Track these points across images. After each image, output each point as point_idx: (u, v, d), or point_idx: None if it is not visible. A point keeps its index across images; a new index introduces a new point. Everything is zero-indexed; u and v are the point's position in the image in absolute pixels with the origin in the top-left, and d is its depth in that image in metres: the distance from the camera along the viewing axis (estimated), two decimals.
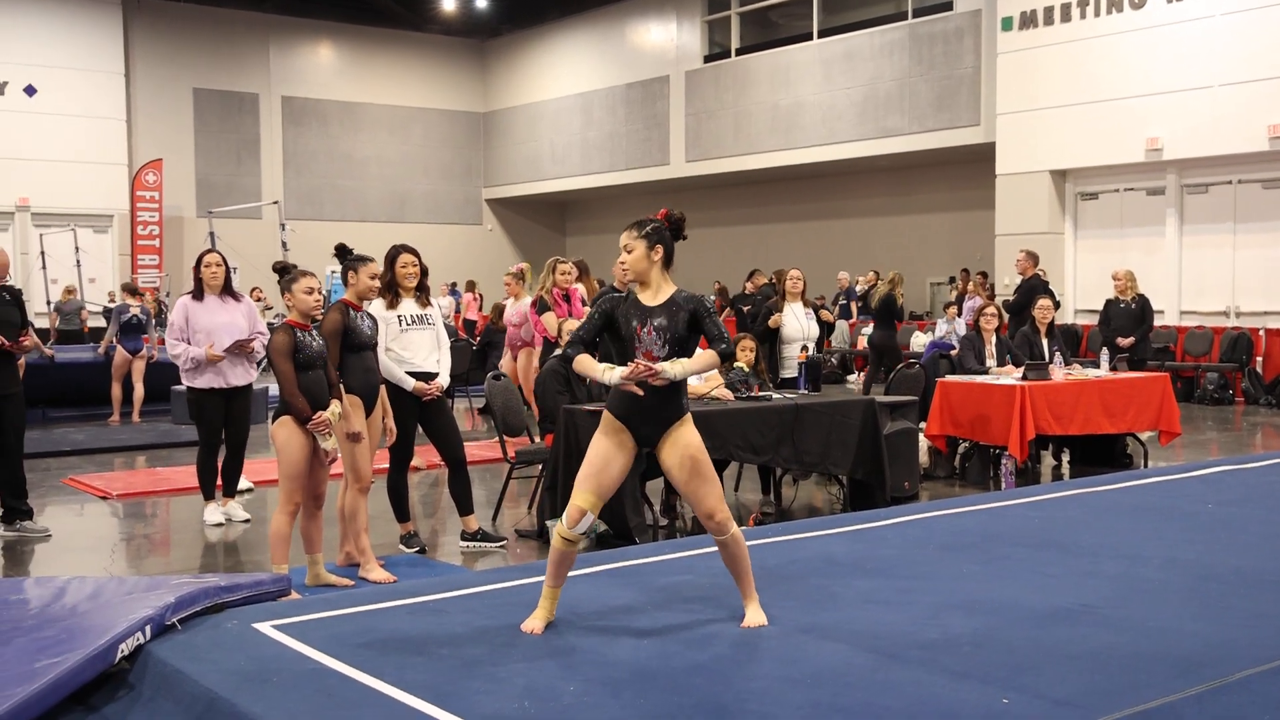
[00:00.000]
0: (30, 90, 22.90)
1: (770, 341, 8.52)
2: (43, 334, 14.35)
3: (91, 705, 3.77)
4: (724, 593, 4.73)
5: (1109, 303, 11.54)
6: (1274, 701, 3.50)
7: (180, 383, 12.38)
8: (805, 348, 8.48)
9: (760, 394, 7.46)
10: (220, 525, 7.49)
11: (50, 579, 4.92)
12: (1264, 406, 13.86)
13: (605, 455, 4.25)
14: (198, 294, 7.52)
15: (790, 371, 8.47)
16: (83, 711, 3.73)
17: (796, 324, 8.57)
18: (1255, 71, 14.51)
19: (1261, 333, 14.50)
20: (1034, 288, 11.32)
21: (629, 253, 4.37)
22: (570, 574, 5.13)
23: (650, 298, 4.31)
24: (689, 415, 4.32)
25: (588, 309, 10.00)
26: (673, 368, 4.15)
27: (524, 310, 10.65)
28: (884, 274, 15.60)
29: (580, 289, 10.48)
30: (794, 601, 4.54)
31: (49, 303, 20.21)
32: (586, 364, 4.25)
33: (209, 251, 7.73)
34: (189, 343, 7.34)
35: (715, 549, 5.60)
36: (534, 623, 4.22)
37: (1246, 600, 4.65)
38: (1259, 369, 14.36)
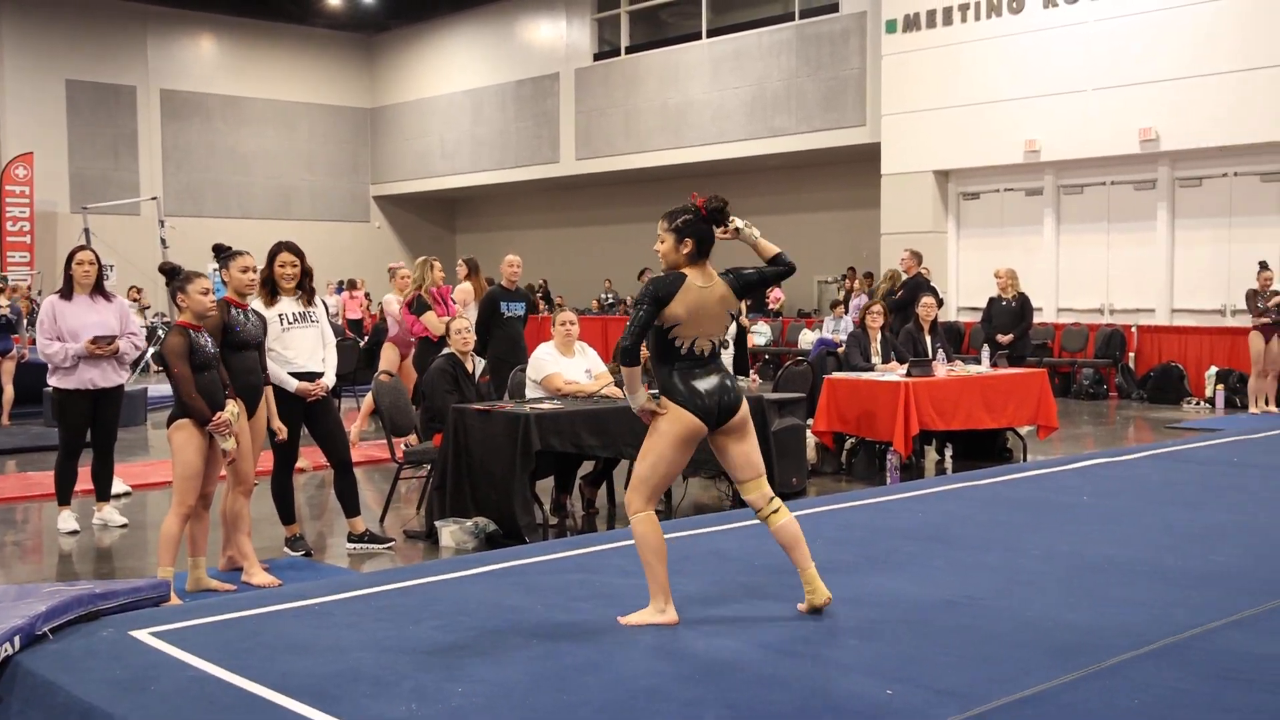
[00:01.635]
0: None
1: None
2: None
3: None
4: (613, 590, 4.75)
5: (991, 300, 11.84)
6: (1144, 685, 3.63)
7: None
8: (724, 343, 8.65)
9: (651, 391, 7.46)
10: (75, 533, 7.22)
11: None
12: (1136, 400, 14.37)
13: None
14: (66, 293, 7.24)
15: None
16: None
17: None
18: (1127, 76, 15.04)
19: (1134, 329, 15.02)
20: (918, 285, 11.57)
21: (661, 244, 4.36)
22: (458, 574, 5.10)
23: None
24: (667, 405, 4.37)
25: (463, 309, 9.96)
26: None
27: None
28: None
29: (468, 288, 10.42)
30: (681, 597, 4.56)
31: None
32: (635, 376, 4.33)
33: (81, 248, 7.46)
34: (61, 341, 7.09)
35: (606, 547, 5.61)
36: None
37: (1120, 588, 4.82)
38: (1131, 364, 14.88)
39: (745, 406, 4.41)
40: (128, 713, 3.38)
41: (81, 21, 24.48)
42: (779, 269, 4.50)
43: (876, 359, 9.56)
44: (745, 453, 4.39)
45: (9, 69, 23.59)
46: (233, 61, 26.65)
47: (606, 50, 23.59)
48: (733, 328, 8.95)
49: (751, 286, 4.47)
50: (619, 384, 7.40)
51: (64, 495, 7.33)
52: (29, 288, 21.24)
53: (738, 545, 5.64)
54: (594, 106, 23.31)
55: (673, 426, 4.30)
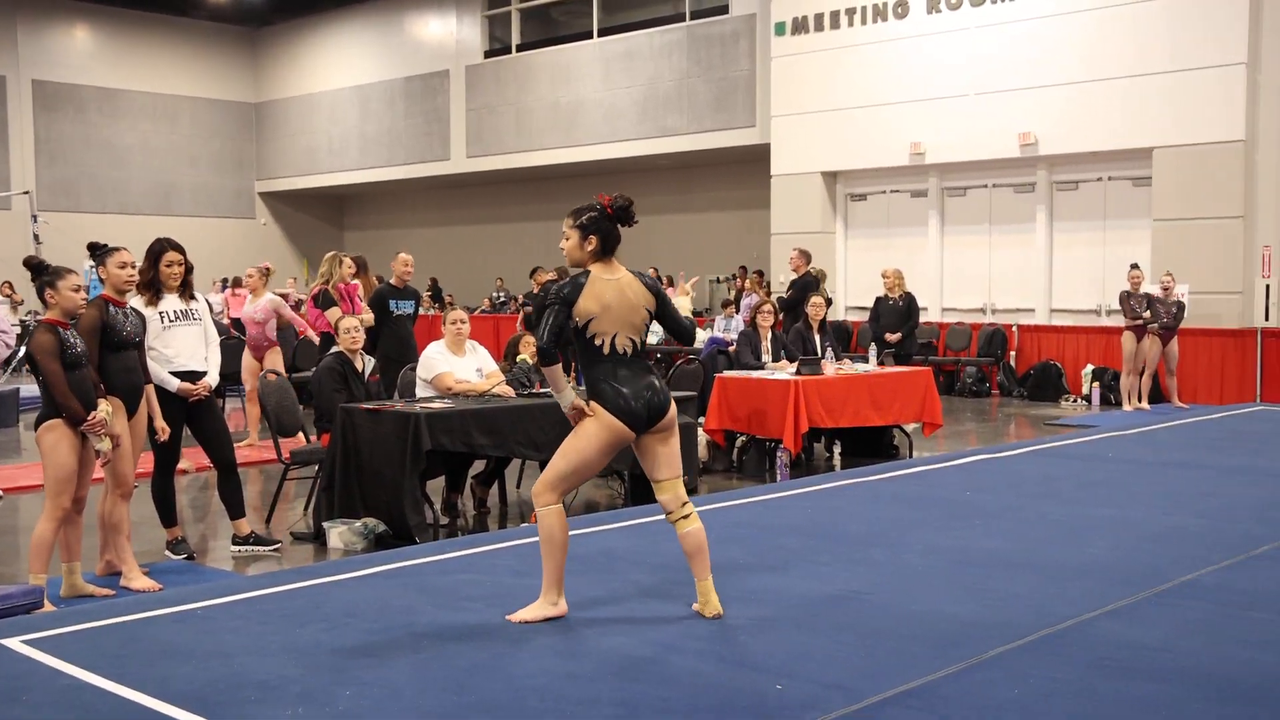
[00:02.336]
0: None
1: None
2: None
3: None
4: (505, 590, 4.73)
5: (878, 300, 12.07)
6: (1022, 675, 3.74)
7: None
8: None
9: (542, 390, 7.46)
10: None
11: None
12: (1017, 398, 14.78)
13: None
14: None
15: None
16: None
17: None
18: (1008, 82, 15.45)
19: (1014, 328, 15.45)
20: (808, 285, 11.74)
21: (566, 240, 4.40)
22: (347, 576, 5.04)
23: None
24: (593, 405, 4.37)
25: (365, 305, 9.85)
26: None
27: (265, 307, 10.36)
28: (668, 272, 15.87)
29: (357, 283, 10.29)
30: (573, 596, 4.57)
31: None
32: (558, 375, 4.28)
33: None
34: None
35: (497, 547, 5.59)
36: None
37: (1001, 582, 4.95)
38: (1013, 363, 15.30)
39: (674, 408, 4.45)
40: None
41: None
42: (677, 334, 4.60)
43: (767, 357, 9.68)
44: (668, 453, 4.43)
45: None
46: (109, 52, 25.86)
47: (497, 48, 23.46)
48: None
49: (661, 304, 4.46)
50: (510, 382, 7.38)
51: None
52: None
53: (630, 544, 5.66)
54: (485, 104, 23.17)
55: (600, 432, 4.31)
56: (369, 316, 9.09)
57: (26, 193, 20.32)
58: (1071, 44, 14.96)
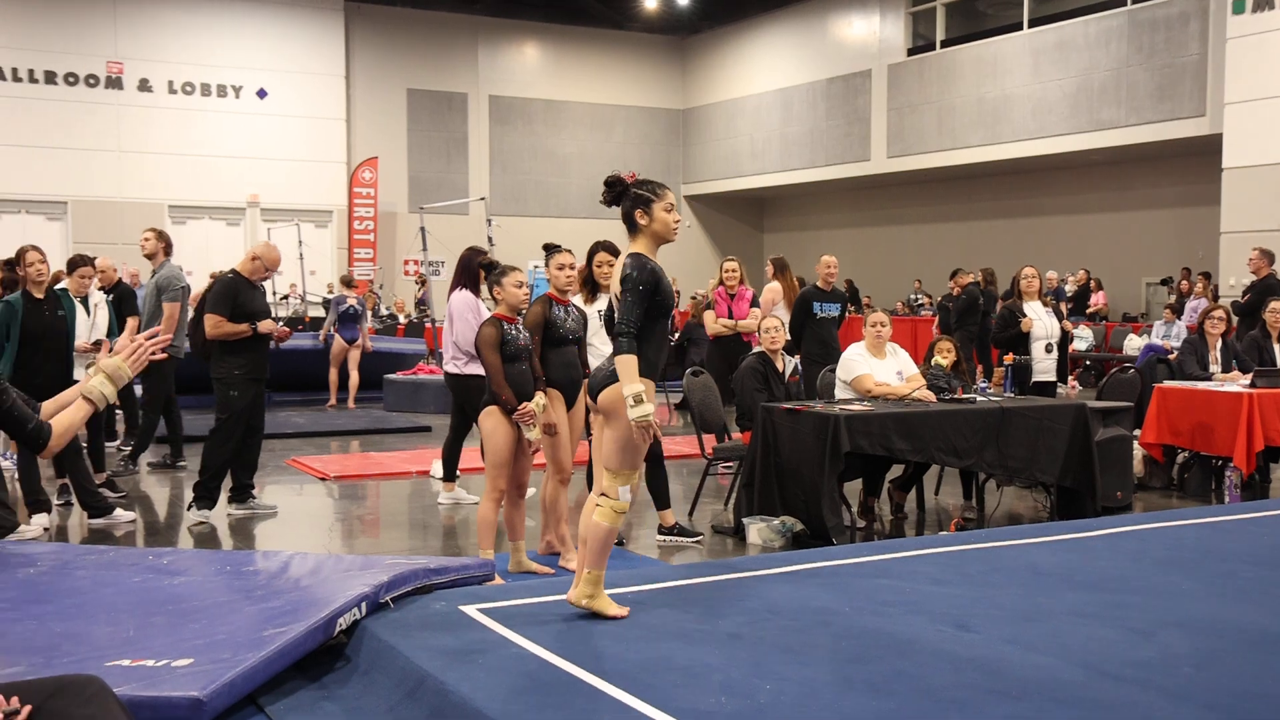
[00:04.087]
0: (262, 93, 24.30)
1: (1015, 346, 8.45)
2: (292, 323, 15.25)
3: (312, 674, 3.97)
4: (923, 598, 4.64)
5: None
6: None
7: (394, 372, 12.94)
8: (1050, 347, 8.48)
9: (964, 396, 7.27)
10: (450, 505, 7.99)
11: (275, 553, 5.20)
12: None
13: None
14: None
15: (1046, 375, 8.54)
16: (304, 679, 3.93)
17: (1040, 323, 8.64)
18: None
19: None
20: (1269, 288, 10.66)
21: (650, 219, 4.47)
22: (766, 572, 5.13)
23: None
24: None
25: (771, 308, 9.96)
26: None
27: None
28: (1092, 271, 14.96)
29: (776, 287, 10.38)
30: (998, 611, 4.41)
31: (274, 293, 21.35)
32: (631, 369, 4.20)
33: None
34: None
35: (915, 554, 5.50)
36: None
37: None
38: None
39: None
40: (458, 683, 3.59)
41: (420, 34, 26.27)
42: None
43: (1215, 367, 8.90)
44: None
45: (358, 81, 25.63)
46: (554, 67, 27.85)
47: (921, 45, 23.07)
48: (1056, 330, 8.60)
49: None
50: (932, 387, 7.24)
51: (449, 472, 8.08)
52: (371, 282, 23.06)
53: (1057, 560, 5.38)
54: (906, 103, 22.85)
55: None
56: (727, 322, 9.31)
57: (482, 198, 22.30)
58: None
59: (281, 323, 8.99)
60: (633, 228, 4.41)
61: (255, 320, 7.41)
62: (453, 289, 7.56)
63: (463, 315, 7.36)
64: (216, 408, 7.46)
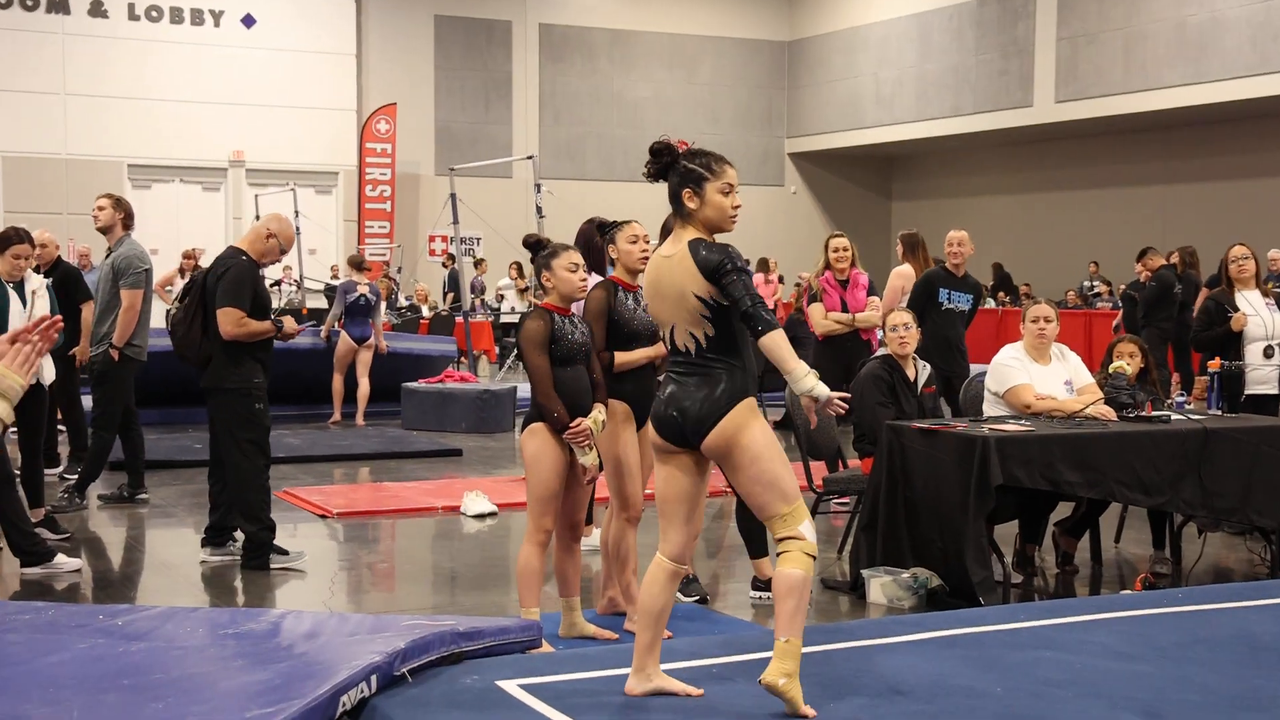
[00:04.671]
0: (248, 21, 24.50)
1: (1223, 349, 8.38)
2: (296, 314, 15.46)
3: None
4: (1099, 676, 4.60)
5: None
6: None
7: (414, 379, 12.98)
8: (1270, 350, 8.31)
9: (1154, 414, 7.18)
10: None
11: (263, 612, 5.28)
12: None
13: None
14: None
15: (1266, 386, 8.41)
16: None
17: (1257, 319, 8.49)
18: None
19: None
20: None
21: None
22: (892, 640, 5.11)
23: None
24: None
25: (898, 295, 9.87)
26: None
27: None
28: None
29: (907, 271, 10.28)
30: (1199, 697, 4.35)
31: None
32: (784, 349, 4.27)
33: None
34: None
35: (1089, 618, 5.47)
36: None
37: None
38: None
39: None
40: None
41: None
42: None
43: None
44: None
45: (373, 5, 25.64)
46: None
47: None
48: (1278, 328, 8.45)
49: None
50: (1112, 401, 7.17)
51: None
52: (386, 265, 23.22)
53: (1278, 629, 5.30)
54: (1083, 30, 22.59)
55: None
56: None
57: (530, 157, 22.36)
58: None
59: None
60: (680, 211, 4.38)
61: (270, 316, 7.53)
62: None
63: None
64: (232, 426, 7.40)
